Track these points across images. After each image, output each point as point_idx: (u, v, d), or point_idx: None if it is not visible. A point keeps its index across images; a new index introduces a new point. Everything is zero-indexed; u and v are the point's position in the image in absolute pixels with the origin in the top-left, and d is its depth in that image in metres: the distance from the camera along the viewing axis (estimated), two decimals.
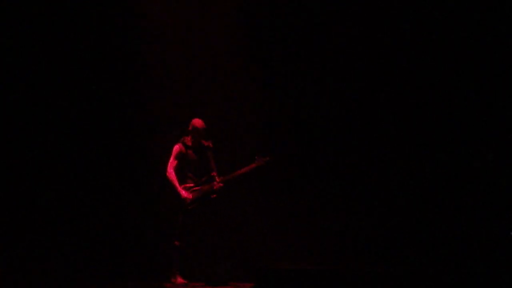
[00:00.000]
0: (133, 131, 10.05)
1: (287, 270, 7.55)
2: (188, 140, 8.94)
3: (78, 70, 9.93)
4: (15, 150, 9.72)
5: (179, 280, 8.66)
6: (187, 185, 8.85)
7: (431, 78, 9.42)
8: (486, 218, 8.99)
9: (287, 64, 9.95)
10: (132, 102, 10.07)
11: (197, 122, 8.93)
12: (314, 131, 9.84)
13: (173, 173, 8.82)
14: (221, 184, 8.78)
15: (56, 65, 9.88)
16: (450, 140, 9.33)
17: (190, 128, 8.92)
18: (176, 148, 8.91)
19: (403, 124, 9.54)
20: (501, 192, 8.96)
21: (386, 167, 9.55)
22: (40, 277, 9.01)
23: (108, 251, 9.73)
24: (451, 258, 8.78)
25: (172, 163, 8.85)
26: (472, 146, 9.20)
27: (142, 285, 8.69)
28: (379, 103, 9.66)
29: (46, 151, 9.82)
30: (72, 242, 9.72)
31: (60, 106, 9.90)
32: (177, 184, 8.78)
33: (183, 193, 8.76)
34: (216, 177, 8.80)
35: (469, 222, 9.03)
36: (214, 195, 8.81)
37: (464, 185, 9.18)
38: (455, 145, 9.29)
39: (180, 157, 8.87)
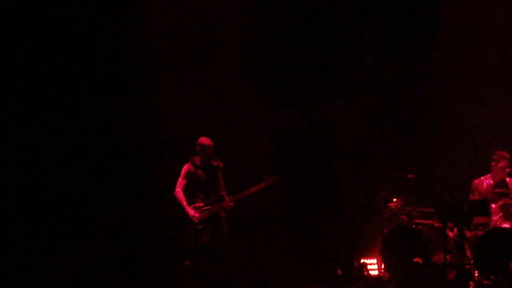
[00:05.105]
0: (143, 152, 10.10)
1: None
2: (197, 159, 8.90)
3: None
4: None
5: None
6: (197, 204, 8.80)
7: None
8: None
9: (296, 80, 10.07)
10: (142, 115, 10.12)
11: (204, 140, 8.89)
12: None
13: (181, 192, 8.78)
14: (231, 204, 8.76)
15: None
16: None
17: (198, 148, 8.89)
18: (185, 167, 8.88)
19: None
20: None
21: None
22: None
23: (120, 273, 9.74)
24: None
25: (181, 182, 8.82)
26: None
27: None
28: None
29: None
30: (88, 257, 9.75)
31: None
32: (185, 203, 8.75)
33: (191, 212, 8.72)
34: (226, 197, 8.79)
35: None
36: (224, 215, 8.81)
37: None
38: None
39: (189, 176, 8.84)
